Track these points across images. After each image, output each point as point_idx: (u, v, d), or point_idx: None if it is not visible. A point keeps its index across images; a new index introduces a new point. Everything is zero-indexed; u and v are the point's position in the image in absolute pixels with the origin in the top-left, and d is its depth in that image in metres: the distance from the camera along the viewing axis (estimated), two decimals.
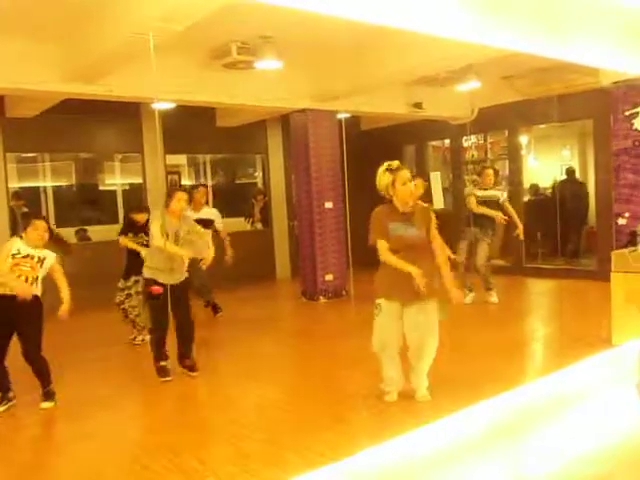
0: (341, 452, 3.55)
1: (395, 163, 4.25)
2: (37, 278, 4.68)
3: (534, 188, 11.14)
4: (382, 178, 4.25)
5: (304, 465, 3.44)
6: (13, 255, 4.60)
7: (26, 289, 4.58)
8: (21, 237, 4.72)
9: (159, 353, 5.27)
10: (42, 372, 4.71)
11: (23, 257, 4.62)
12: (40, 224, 4.70)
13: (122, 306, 6.56)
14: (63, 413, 4.60)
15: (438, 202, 8.88)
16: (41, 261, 4.69)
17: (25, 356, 4.65)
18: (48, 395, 4.72)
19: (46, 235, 4.71)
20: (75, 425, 4.35)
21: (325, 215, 8.89)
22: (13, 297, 4.54)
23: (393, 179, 4.20)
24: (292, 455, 3.61)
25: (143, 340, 6.48)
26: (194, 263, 5.44)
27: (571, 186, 10.71)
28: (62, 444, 4.09)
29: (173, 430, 4.22)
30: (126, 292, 6.49)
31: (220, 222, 7.62)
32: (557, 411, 4.15)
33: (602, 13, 4.75)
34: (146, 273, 5.31)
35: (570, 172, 10.99)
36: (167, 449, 3.80)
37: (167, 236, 5.13)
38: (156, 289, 5.15)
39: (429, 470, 3.42)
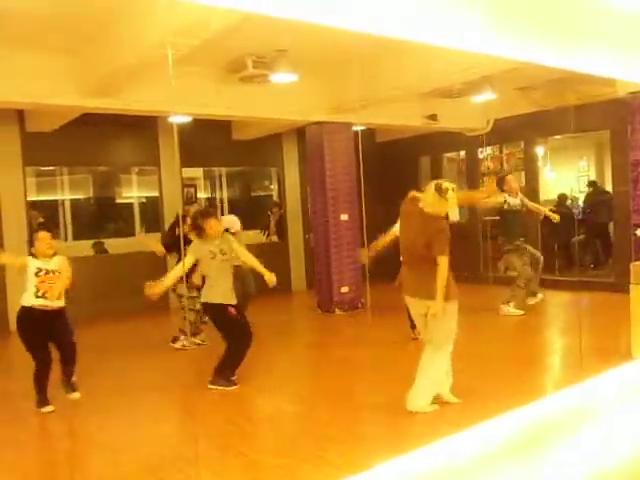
0: (358, 465, 3.53)
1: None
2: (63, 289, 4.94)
3: (562, 198, 11.06)
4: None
5: (319, 477, 3.42)
6: (36, 273, 4.81)
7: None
8: (33, 255, 4.89)
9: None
10: (74, 358, 5.02)
11: (46, 274, 4.84)
12: (44, 235, 4.94)
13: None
14: (76, 424, 4.61)
15: (453, 215, 8.84)
16: (60, 272, 4.89)
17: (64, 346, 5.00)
18: (74, 386, 5.04)
19: (53, 243, 4.96)
20: (89, 436, 4.36)
21: (341, 227, 8.88)
22: (47, 310, 4.82)
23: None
24: (309, 467, 3.59)
25: (183, 346, 6.77)
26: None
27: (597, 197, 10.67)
28: (75, 454, 4.10)
29: (188, 442, 4.21)
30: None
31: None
32: (577, 425, 4.09)
33: (619, 23, 4.72)
34: (217, 299, 5.26)
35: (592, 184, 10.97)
36: (182, 461, 3.80)
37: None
38: (233, 310, 5.26)
39: None
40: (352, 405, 4.74)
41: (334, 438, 4.04)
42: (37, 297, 4.80)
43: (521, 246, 7.77)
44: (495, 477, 3.39)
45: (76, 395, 5.00)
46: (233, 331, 5.23)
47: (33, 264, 4.83)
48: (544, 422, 4.19)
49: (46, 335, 4.87)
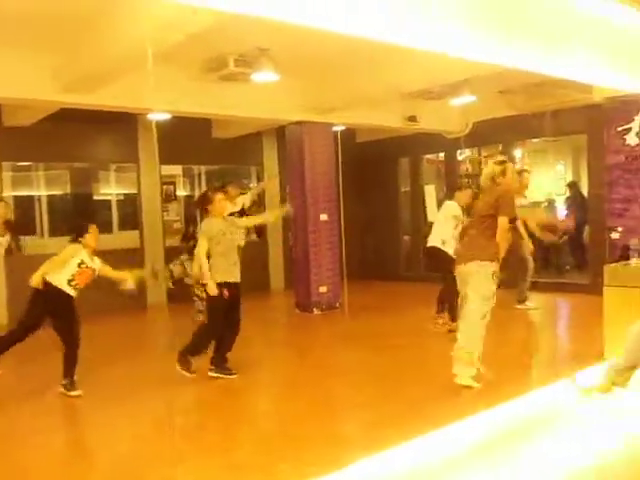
0: (332, 464, 3.55)
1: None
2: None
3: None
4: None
5: (296, 476, 3.44)
6: (79, 265, 4.99)
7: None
8: (80, 243, 5.03)
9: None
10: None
11: (87, 268, 5.06)
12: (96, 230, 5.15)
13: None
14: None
15: (432, 215, 8.90)
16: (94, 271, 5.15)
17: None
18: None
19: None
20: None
21: (320, 227, 8.90)
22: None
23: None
24: (286, 466, 3.61)
25: None
26: None
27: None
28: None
29: (166, 441, 4.20)
30: None
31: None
32: (549, 426, 4.15)
33: (595, 31, 4.81)
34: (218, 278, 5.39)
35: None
36: (159, 460, 3.79)
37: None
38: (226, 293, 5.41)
39: None
40: (329, 405, 4.77)
41: (311, 437, 4.05)
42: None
43: None
44: (469, 477, 3.43)
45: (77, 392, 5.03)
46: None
47: (80, 254, 5.07)
48: (515, 424, 4.24)
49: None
